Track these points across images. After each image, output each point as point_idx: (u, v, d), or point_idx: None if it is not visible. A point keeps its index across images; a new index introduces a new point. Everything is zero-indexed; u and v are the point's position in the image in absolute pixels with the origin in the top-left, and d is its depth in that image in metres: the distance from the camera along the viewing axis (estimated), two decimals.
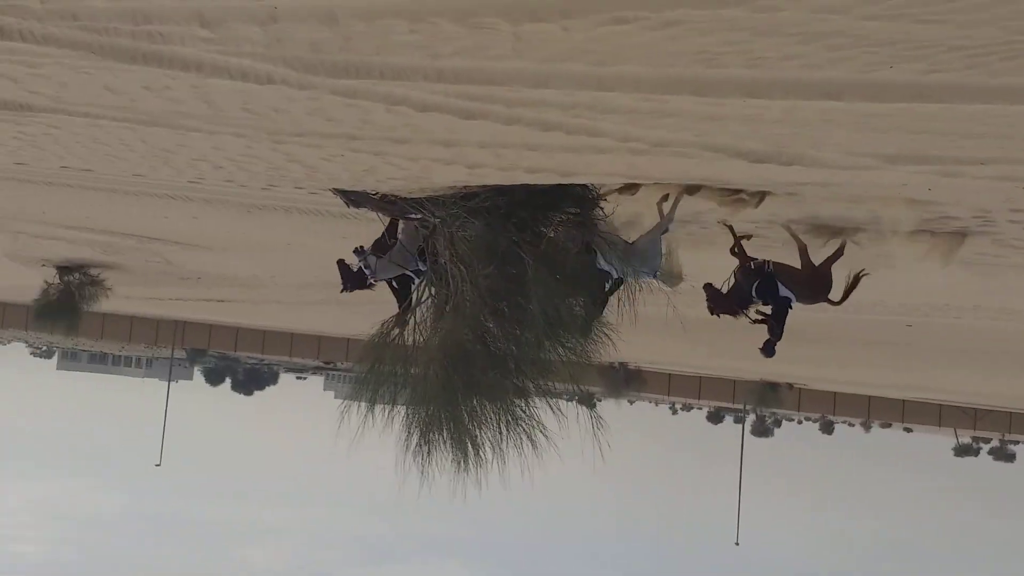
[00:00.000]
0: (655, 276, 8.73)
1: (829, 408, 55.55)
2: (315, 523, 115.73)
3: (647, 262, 8.67)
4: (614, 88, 4.35)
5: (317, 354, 49.42)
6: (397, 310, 9.15)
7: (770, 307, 8.79)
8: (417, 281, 8.94)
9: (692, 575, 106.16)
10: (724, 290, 8.85)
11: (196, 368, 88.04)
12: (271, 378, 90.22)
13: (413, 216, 8.40)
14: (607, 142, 5.46)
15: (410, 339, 9.00)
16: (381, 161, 5.93)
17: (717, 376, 50.12)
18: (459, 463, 8.69)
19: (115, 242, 22.13)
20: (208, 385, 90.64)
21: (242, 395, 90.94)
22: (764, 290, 8.65)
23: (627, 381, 43.80)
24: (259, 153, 5.71)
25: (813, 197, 7.85)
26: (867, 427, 68.92)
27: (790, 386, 49.50)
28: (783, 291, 8.65)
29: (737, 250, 8.88)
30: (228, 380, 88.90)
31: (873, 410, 53.61)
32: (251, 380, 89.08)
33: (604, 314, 8.75)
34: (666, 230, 8.68)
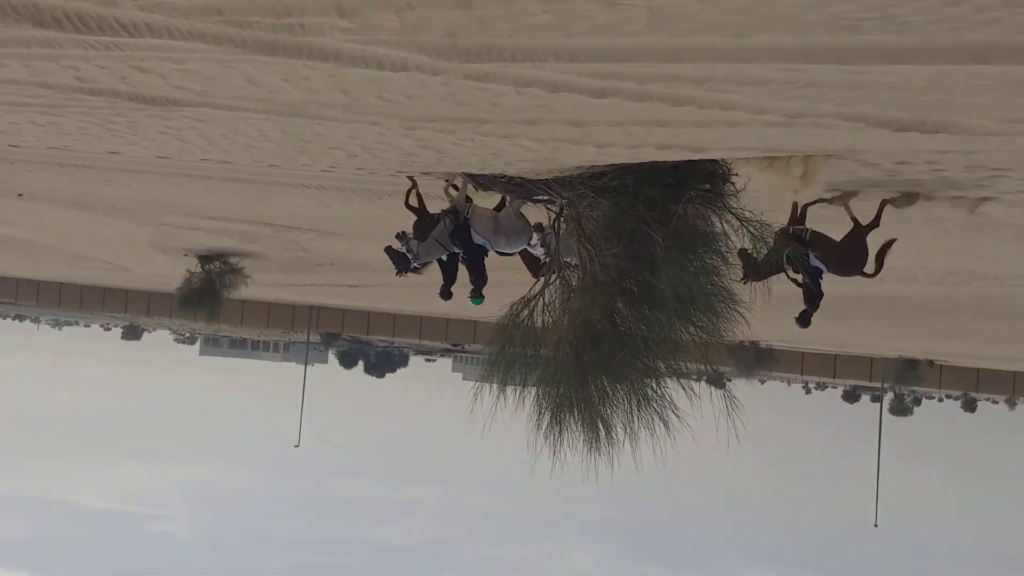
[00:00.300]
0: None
1: (972, 385, 53.39)
2: (448, 501, 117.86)
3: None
4: (750, 59, 4.26)
5: (445, 337, 50.17)
6: (444, 282, 9.58)
7: (801, 276, 8.65)
8: (481, 254, 9.16)
9: (830, 558, 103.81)
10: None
11: (330, 352, 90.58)
12: (401, 360, 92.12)
13: (539, 198, 8.48)
14: (741, 115, 5.35)
15: (539, 321, 9.05)
16: (510, 144, 5.96)
17: (853, 354, 48.73)
18: (590, 444, 8.71)
19: (253, 231, 22.92)
20: (342, 368, 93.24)
21: (374, 377, 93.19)
22: (794, 259, 8.53)
23: (758, 360, 43.03)
24: (391, 140, 5.81)
25: (954, 166, 7.53)
26: (1012, 404, 66.00)
27: (930, 363, 47.75)
28: (814, 261, 8.52)
29: (798, 212, 8.68)
30: (361, 363, 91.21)
31: (1019, 386, 51.28)
32: (383, 362, 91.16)
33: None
34: None
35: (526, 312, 8.73)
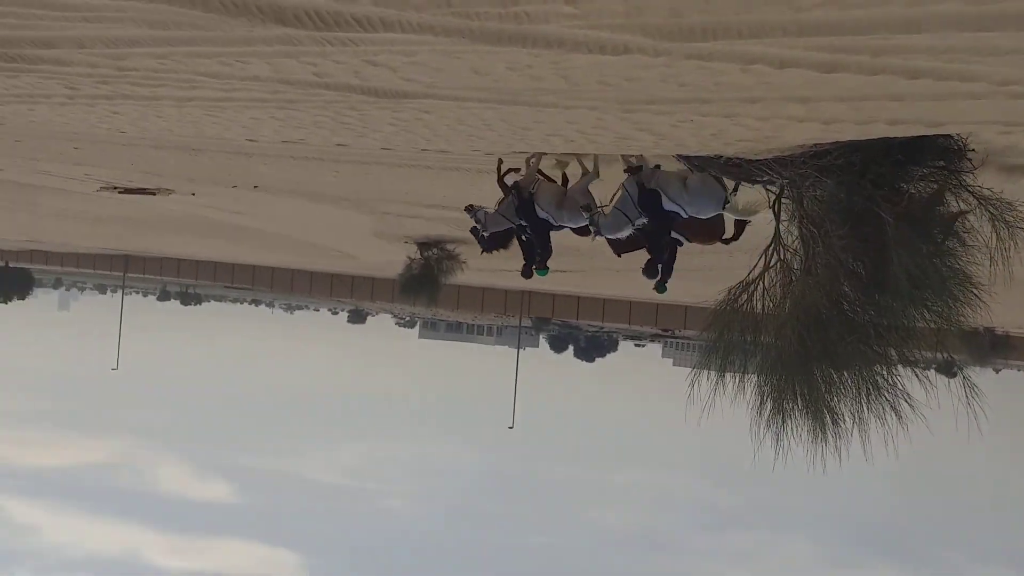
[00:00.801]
0: (724, 208, 8.73)
1: None
2: (660, 488, 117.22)
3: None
4: (996, 28, 3.97)
5: (655, 322, 49.83)
6: (525, 262, 9.88)
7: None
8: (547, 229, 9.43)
9: None
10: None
11: (541, 336, 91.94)
12: (611, 345, 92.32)
13: (759, 179, 8.26)
14: (982, 87, 5.00)
15: (759, 306, 8.82)
16: (731, 123, 5.82)
17: None
18: (815, 433, 8.43)
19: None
20: (552, 352, 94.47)
21: (584, 361, 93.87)
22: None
23: (993, 347, 40.31)
24: (609, 124, 5.80)
25: None
26: None
27: None
28: (674, 233, 8.86)
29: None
30: (571, 347, 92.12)
31: None
32: (592, 347, 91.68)
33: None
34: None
35: (745, 297, 8.54)
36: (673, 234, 8.93)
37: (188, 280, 66.73)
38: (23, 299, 72.38)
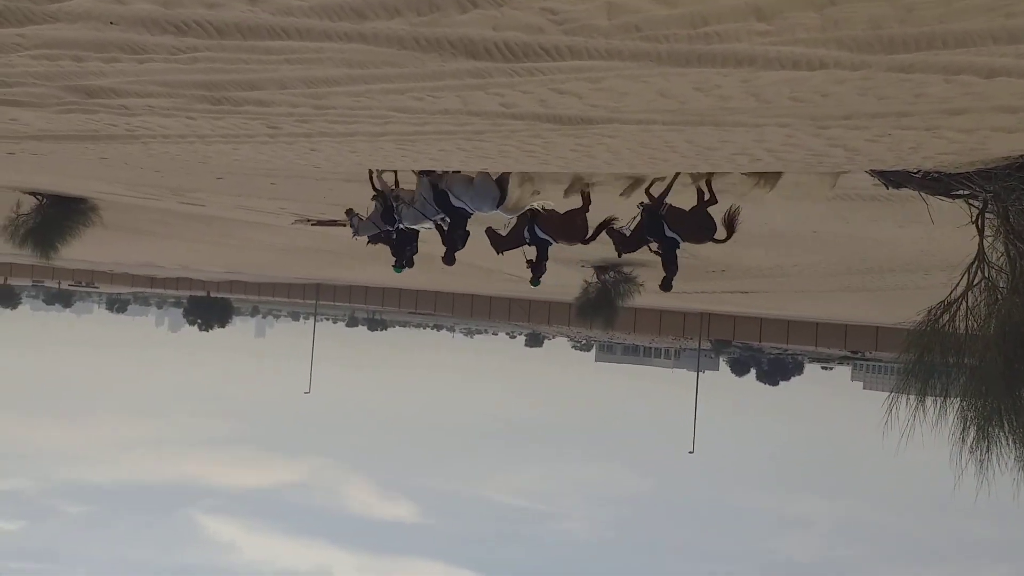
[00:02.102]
0: (499, 207, 9.72)
1: None
2: (846, 519, 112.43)
3: (487, 197, 9.67)
4: None
5: (843, 343, 47.98)
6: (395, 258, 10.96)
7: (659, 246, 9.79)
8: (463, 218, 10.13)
9: None
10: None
11: (721, 359, 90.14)
12: (796, 368, 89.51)
13: (959, 193, 7.97)
14: None
15: (962, 326, 8.39)
16: (931, 136, 5.55)
17: None
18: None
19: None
20: (733, 375, 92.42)
21: (767, 385, 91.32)
22: (652, 230, 9.69)
23: None
24: (799, 141, 5.64)
25: None
26: None
27: None
28: (669, 232, 9.60)
29: (652, 193, 9.65)
30: (753, 370, 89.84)
31: None
32: (776, 370, 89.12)
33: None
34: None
35: (947, 317, 8.15)
36: (669, 233, 9.77)
37: (375, 307, 69.13)
38: (223, 327, 76.66)
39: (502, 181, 9.75)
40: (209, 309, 73.02)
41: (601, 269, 30.27)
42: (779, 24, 3.63)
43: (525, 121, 5.27)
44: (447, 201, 9.93)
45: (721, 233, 9.60)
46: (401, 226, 10.76)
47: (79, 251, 29.98)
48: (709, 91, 4.44)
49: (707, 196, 9.54)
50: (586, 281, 30.79)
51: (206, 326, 74.96)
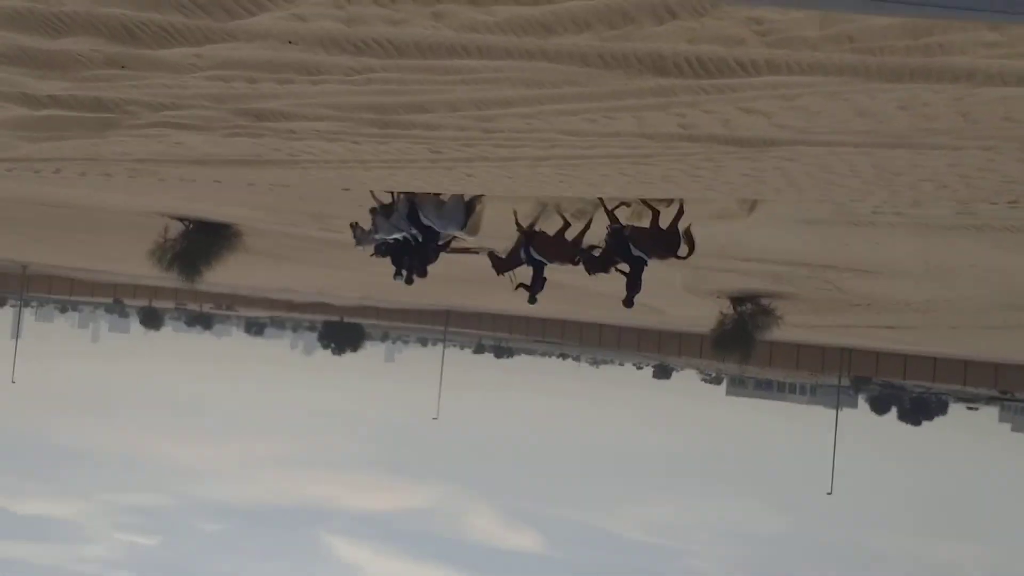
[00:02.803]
0: (462, 229, 10.68)
1: None
2: (991, 565, 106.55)
3: (451, 223, 10.51)
4: None
5: (994, 382, 45.56)
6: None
7: (628, 265, 10.30)
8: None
9: None
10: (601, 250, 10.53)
11: (860, 396, 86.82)
12: (939, 407, 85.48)
13: None
14: None
15: None
16: None
17: None
18: None
19: (787, 272, 22.66)
20: (873, 414, 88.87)
21: (909, 425, 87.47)
22: (618, 251, 10.18)
23: None
24: (1000, 166, 5.20)
25: None
26: None
27: None
28: (635, 251, 10.10)
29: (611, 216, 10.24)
30: (894, 409, 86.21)
31: None
32: (918, 409, 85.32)
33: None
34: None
35: None
36: (635, 253, 10.33)
37: (503, 334, 69.36)
38: (355, 351, 78.09)
39: (471, 205, 10.58)
40: (342, 334, 74.59)
41: (738, 300, 29.48)
42: (1012, 35, 3.28)
43: (701, 143, 5.00)
44: (418, 218, 10.91)
45: (684, 250, 10.17)
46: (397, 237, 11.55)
47: (222, 275, 30.98)
48: (915, 110, 4.09)
49: (677, 213, 10.11)
50: (722, 313, 30.02)
51: (339, 350, 76.56)
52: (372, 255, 12.64)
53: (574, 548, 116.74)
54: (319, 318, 72.53)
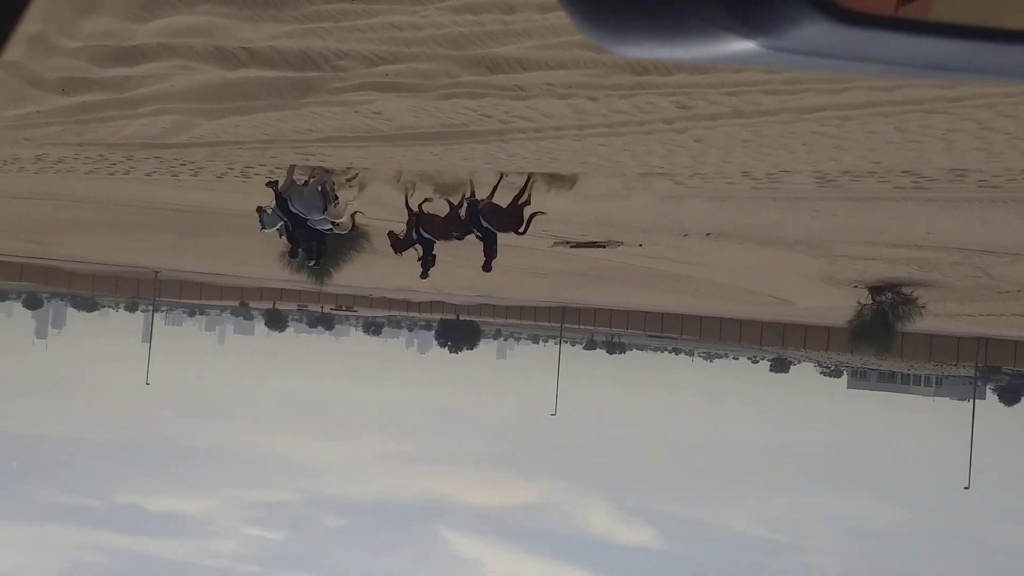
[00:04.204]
0: (324, 215, 11.59)
1: None
2: None
3: (312, 209, 11.37)
4: None
5: None
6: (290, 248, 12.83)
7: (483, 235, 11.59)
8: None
9: None
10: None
11: (987, 387, 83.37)
12: None
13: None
14: None
15: None
16: None
17: None
18: None
19: (937, 257, 21.60)
20: (1003, 404, 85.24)
21: None
22: (473, 222, 11.61)
23: None
24: None
25: None
26: None
27: None
28: (484, 223, 11.58)
29: (469, 196, 11.68)
30: None
31: None
32: None
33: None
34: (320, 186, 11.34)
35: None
36: (484, 225, 11.86)
37: (619, 329, 68.77)
38: (472, 349, 78.53)
39: (327, 193, 11.74)
40: (458, 331, 75.05)
41: (877, 290, 28.36)
42: None
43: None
44: (287, 207, 11.99)
45: (521, 228, 11.96)
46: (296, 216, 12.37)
47: (346, 276, 31.28)
48: None
49: (524, 196, 11.72)
50: (860, 303, 28.92)
51: (455, 348, 77.06)
52: (282, 237, 13.65)
53: (690, 544, 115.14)
54: (436, 317, 73.15)
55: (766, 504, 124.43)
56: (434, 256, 13.18)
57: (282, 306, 75.06)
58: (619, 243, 25.74)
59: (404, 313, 74.77)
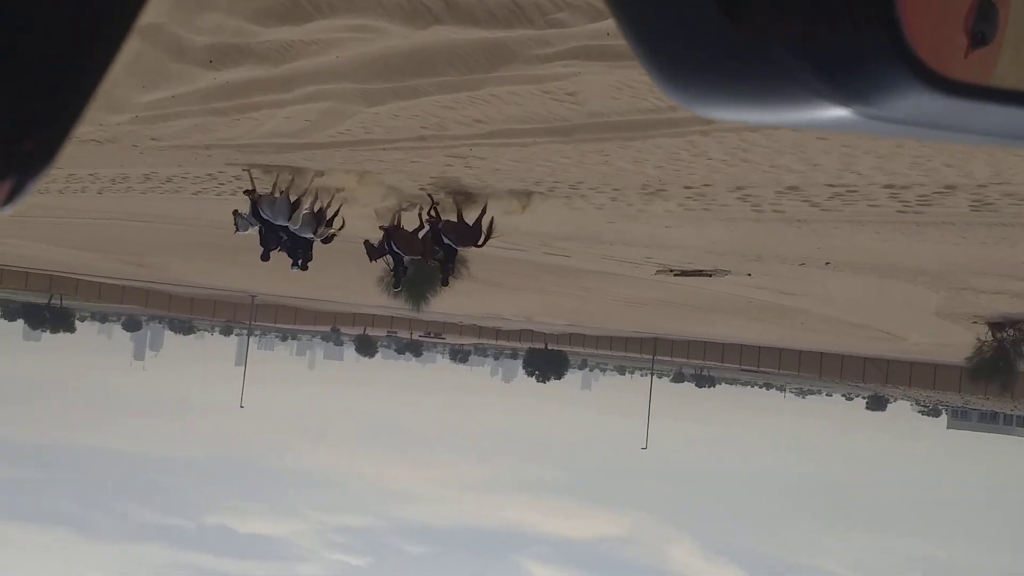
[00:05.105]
0: (288, 222, 12.96)
1: None
2: None
3: (279, 215, 12.79)
4: None
5: None
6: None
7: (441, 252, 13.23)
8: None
9: None
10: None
11: None
12: None
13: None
14: None
15: None
16: None
17: None
18: None
19: None
20: None
21: None
22: (435, 239, 13.07)
23: None
24: None
25: None
26: None
27: None
28: (446, 240, 13.10)
29: (432, 213, 12.96)
30: None
31: None
32: None
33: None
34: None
35: None
36: (445, 241, 13.04)
37: (710, 362, 67.33)
38: (559, 379, 77.80)
39: (296, 203, 12.91)
40: (547, 361, 74.40)
41: (998, 326, 26.93)
42: None
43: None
44: (259, 213, 13.14)
45: (480, 240, 12.97)
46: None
47: (439, 303, 30.94)
48: None
49: (482, 213, 12.68)
50: (979, 339, 27.50)
51: (543, 378, 76.38)
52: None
53: None
54: (524, 346, 72.71)
55: (855, 546, 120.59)
56: (406, 268, 14.45)
57: (372, 332, 75.44)
58: (726, 272, 24.89)
59: (493, 341, 74.46)
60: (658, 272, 26.45)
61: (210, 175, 16.03)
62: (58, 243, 34.64)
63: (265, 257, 14.38)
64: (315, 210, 13.64)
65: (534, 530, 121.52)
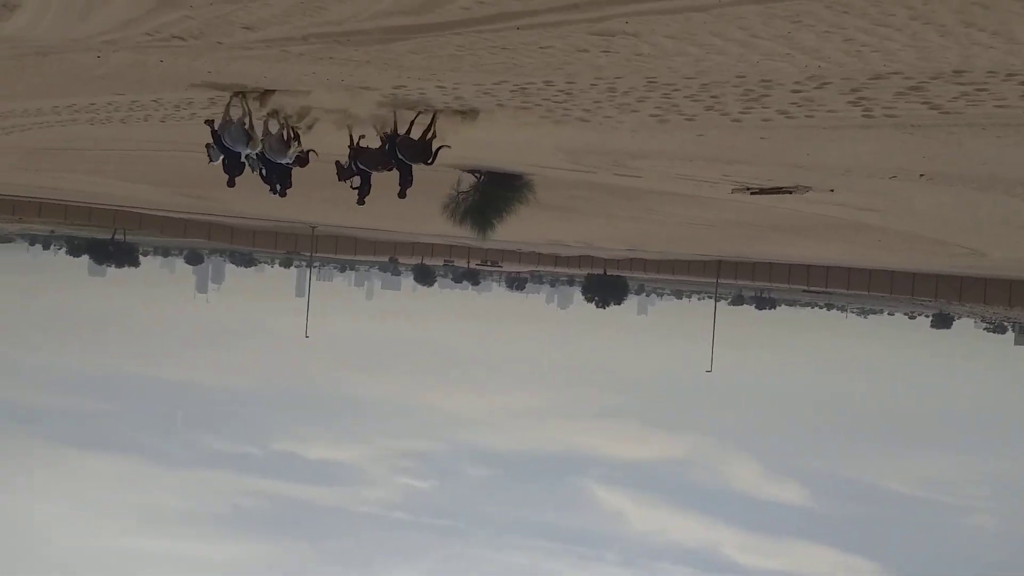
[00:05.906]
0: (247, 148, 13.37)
1: None
2: None
3: (237, 143, 13.27)
4: None
5: None
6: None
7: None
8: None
9: None
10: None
11: None
12: None
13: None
14: None
15: None
16: None
17: None
18: None
19: None
20: None
21: None
22: (391, 153, 13.50)
23: None
24: None
25: None
26: None
27: None
28: (399, 155, 13.43)
29: (390, 131, 13.50)
30: None
31: None
32: None
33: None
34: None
35: None
36: (399, 156, 13.33)
37: (775, 284, 66.29)
38: (619, 304, 77.41)
39: (250, 129, 13.03)
40: (606, 286, 73.83)
41: None
42: None
43: None
44: (220, 141, 13.20)
45: (429, 159, 13.32)
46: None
47: (503, 231, 30.23)
48: None
49: (431, 132, 13.10)
50: None
51: (603, 303, 75.91)
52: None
53: (839, 502, 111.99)
54: (583, 272, 72.20)
55: (923, 463, 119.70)
56: (370, 186, 14.70)
57: (430, 261, 75.23)
58: (807, 188, 23.85)
59: (551, 268, 73.99)
60: (734, 191, 25.44)
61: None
62: (122, 177, 34.50)
63: (231, 183, 14.47)
64: (284, 134, 13.53)
65: (595, 452, 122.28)
